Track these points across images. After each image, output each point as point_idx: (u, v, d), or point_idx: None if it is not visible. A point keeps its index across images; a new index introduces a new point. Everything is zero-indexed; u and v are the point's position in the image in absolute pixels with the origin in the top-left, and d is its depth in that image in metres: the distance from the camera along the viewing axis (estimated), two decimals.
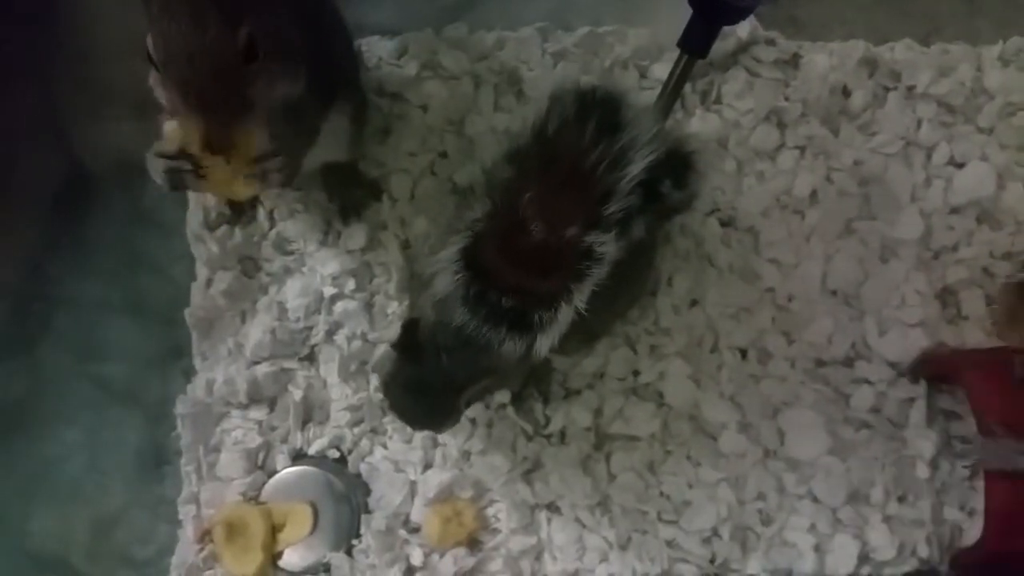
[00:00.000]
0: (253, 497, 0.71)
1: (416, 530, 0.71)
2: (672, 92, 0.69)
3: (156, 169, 0.50)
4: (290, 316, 0.74)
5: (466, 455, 0.72)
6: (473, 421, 0.72)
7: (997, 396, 0.62)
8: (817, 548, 0.67)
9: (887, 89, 0.77)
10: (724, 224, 0.74)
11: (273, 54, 0.47)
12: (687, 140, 0.58)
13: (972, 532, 0.68)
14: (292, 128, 0.52)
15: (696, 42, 0.68)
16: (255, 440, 0.72)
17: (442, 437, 0.72)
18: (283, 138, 0.51)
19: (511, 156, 0.51)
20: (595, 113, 0.50)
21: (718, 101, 0.76)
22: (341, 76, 0.61)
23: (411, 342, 0.53)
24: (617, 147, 0.49)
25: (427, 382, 0.54)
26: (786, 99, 0.76)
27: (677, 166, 0.55)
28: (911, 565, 0.68)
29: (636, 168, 0.49)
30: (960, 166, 0.75)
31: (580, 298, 0.50)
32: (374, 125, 0.75)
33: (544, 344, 0.51)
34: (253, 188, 0.52)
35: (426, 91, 0.75)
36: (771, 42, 0.77)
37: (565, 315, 0.50)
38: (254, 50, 0.46)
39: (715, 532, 0.69)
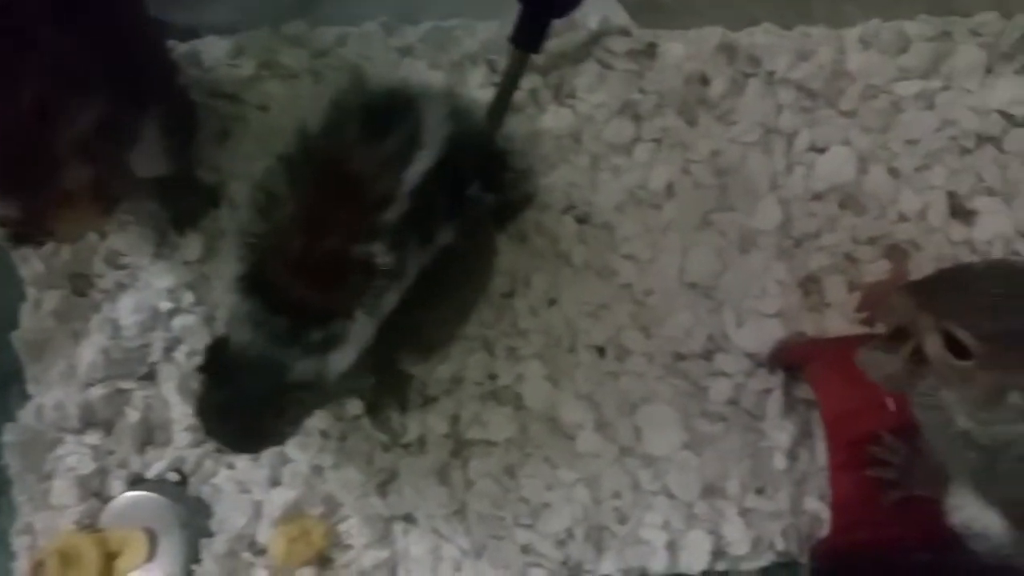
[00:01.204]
0: (88, 525, 0.83)
1: (263, 552, 0.83)
2: (506, 89, 0.82)
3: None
4: (125, 334, 0.86)
5: (317, 470, 0.84)
6: (324, 434, 0.84)
7: (835, 388, 0.77)
8: (670, 545, 0.81)
9: (747, 76, 0.92)
10: (580, 221, 0.87)
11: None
12: (505, 140, 0.72)
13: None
14: (107, 153, 0.65)
15: (527, 37, 0.81)
16: (89, 466, 0.84)
17: (292, 452, 0.84)
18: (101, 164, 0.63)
19: (282, 164, 0.62)
20: (356, 115, 0.60)
21: (571, 95, 0.90)
22: (148, 85, 0.73)
23: (215, 363, 0.64)
24: (387, 150, 0.59)
25: (237, 404, 0.64)
26: (641, 91, 0.90)
27: (490, 168, 0.66)
28: (767, 559, 0.82)
29: (416, 172, 0.59)
30: (822, 151, 0.89)
31: (374, 312, 0.60)
32: (210, 129, 0.88)
33: (337, 362, 0.60)
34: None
35: (265, 91, 0.89)
36: (625, 32, 0.91)
37: (359, 331, 0.60)
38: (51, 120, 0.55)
39: (570, 534, 0.82)
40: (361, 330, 0.61)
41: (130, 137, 0.70)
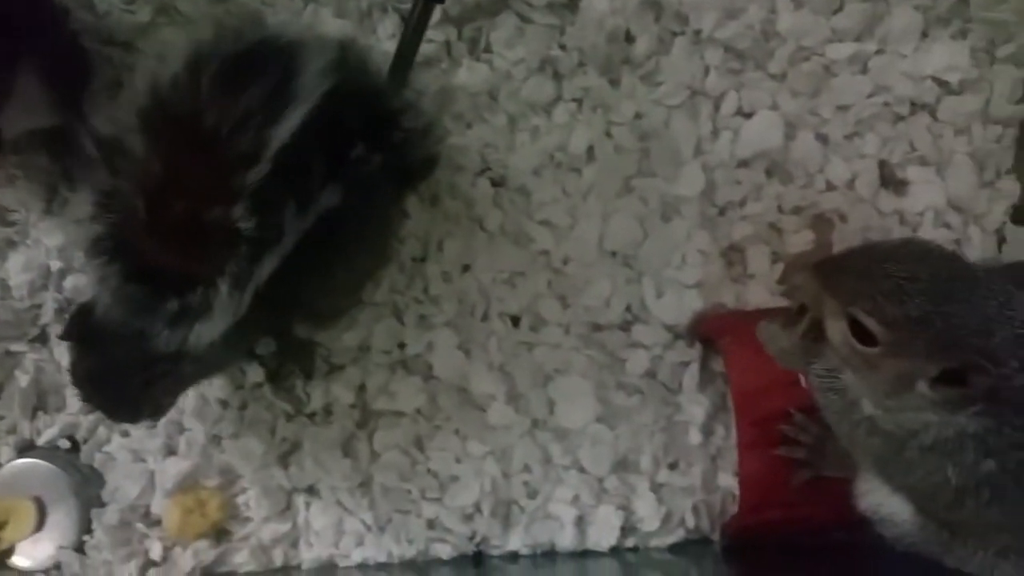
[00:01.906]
0: None
1: (157, 523, 0.81)
2: (410, 42, 0.78)
3: None
4: (14, 294, 0.82)
5: (215, 440, 0.82)
6: (224, 403, 0.82)
7: (746, 364, 0.75)
8: (579, 520, 0.79)
9: (673, 34, 0.87)
10: (495, 184, 0.84)
11: None
12: (402, 96, 0.68)
13: None
14: None
15: None
16: None
17: (188, 421, 0.82)
18: None
19: (133, 117, 0.57)
20: (215, 65, 0.56)
21: (487, 50, 0.85)
22: (21, 33, 0.68)
23: (78, 330, 0.61)
24: (249, 104, 0.55)
25: (108, 372, 0.61)
26: (562, 47, 0.85)
27: (378, 126, 0.62)
28: (678, 536, 0.81)
29: (286, 128, 0.55)
30: (749, 116, 0.86)
31: (243, 280, 0.56)
32: (104, 78, 0.83)
33: (204, 334, 0.57)
34: None
35: (161, 39, 0.83)
36: None
37: (225, 300, 0.56)
38: None
39: (477, 508, 0.80)
40: (228, 300, 0.57)
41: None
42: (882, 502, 0.63)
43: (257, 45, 0.59)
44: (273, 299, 0.60)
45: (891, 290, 0.53)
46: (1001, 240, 0.86)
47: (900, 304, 0.53)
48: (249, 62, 0.57)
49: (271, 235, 0.57)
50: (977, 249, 0.85)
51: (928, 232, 0.85)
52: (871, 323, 0.54)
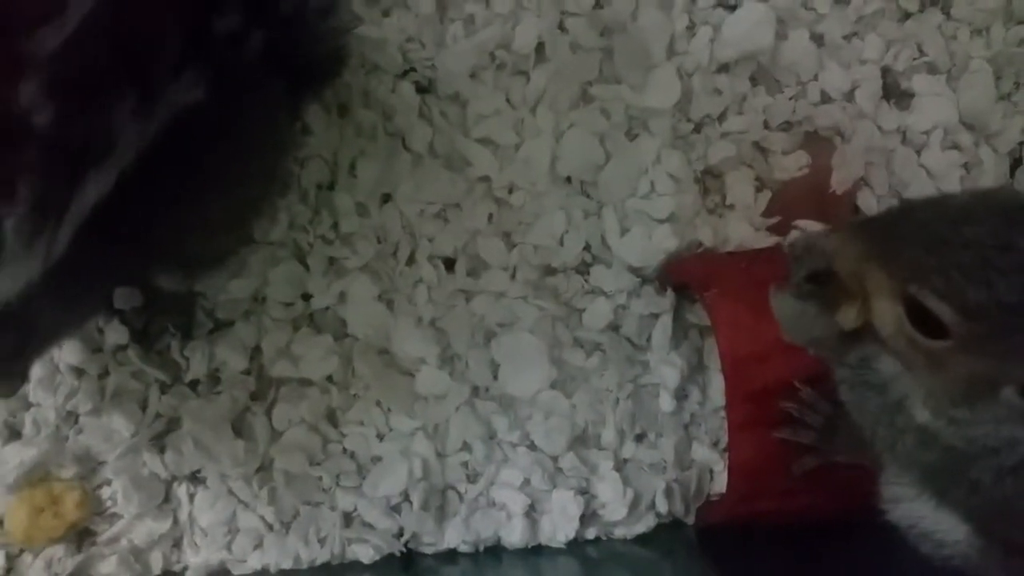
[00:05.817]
0: None
1: None
2: None
3: None
4: None
5: (70, 418, 0.72)
6: (79, 371, 0.72)
7: (738, 323, 0.64)
8: (530, 510, 0.72)
9: None
10: (421, 90, 0.75)
11: None
12: None
13: (724, 476, 0.71)
14: None
15: None
16: None
17: (35, 395, 0.71)
18: None
19: None
20: None
21: None
22: None
23: None
24: None
25: None
26: None
27: None
28: (647, 524, 0.73)
29: None
30: (732, 8, 0.77)
31: (49, 206, 0.44)
32: None
33: None
34: None
35: None
36: None
37: (24, 237, 0.44)
38: None
39: (405, 497, 0.72)
40: (25, 237, 0.44)
41: None
42: (923, 515, 0.54)
43: None
44: (118, 236, 0.49)
45: (974, 264, 0.42)
46: (1015, 163, 0.81)
47: (987, 285, 0.41)
48: None
49: (96, 141, 0.45)
50: (989, 175, 0.79)
51: (935, 154, 0.79)
52: (942, 309, 0.42)
